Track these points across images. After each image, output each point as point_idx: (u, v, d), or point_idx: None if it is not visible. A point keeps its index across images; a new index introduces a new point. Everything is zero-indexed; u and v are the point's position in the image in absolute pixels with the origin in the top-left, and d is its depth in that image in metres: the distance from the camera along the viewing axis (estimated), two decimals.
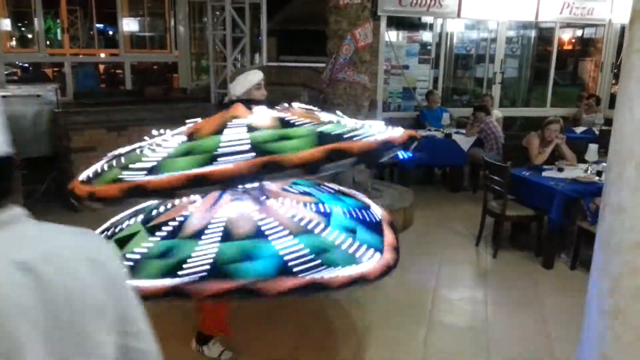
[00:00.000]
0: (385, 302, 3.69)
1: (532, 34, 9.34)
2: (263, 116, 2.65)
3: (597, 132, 7.01)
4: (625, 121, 2.14)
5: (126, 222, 2.80)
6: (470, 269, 4.61)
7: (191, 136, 2.56)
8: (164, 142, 2.61)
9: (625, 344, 2.17)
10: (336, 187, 3.42)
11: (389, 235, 2.76)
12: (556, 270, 4.45)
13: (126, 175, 2.34)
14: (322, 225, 2.60)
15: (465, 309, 3.81)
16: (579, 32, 9.74)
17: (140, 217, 2.76)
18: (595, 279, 2.34)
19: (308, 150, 2.22)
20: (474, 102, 8.13)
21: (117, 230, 2.76)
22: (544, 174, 4.73)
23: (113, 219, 2.98)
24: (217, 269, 2.21)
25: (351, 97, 5.39)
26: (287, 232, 2.44)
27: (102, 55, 12.21)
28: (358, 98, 5.43)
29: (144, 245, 2.44)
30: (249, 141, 2.33)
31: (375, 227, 2.81)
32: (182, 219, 2.57)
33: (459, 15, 7.97)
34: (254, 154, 2.23)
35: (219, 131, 2.48)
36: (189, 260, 2.26)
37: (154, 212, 2.74)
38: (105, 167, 2.60)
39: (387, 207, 3.45)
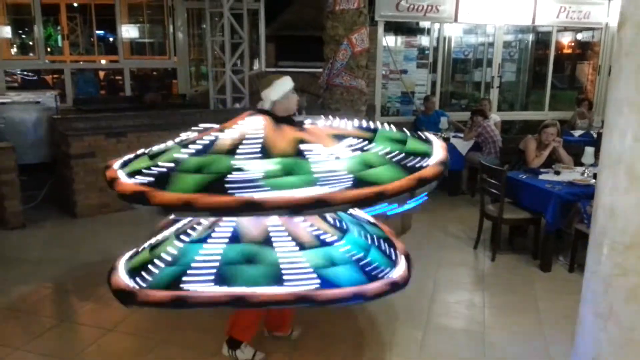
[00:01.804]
0: (383, 305, 3.70)
1: (530, 38, 9.39)
2: (324, 138, 2.65)
3: (594, 135, 7.04)
4: (616, 124, 2.17)
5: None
6: (467, 272, 4.63)
7: (265, 150, 2.51)
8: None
9: (618, 346, 2.19)
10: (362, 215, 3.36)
11: (381, 224, 2.97)
12: (554, 273, 4.47)
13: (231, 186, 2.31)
14: (344, 223, 2.74)
15: (463, 312, 3.82)
16: (576, 36, 9.78)
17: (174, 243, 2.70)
18: (589, 281, 2.36)
19: (399, 179, 2.38)
20: (472, 107, 8.16)
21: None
22: (541, 177, 4.75)
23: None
24: (320, 276, 2.36)
25: (348, 102, 5.43)
26: (295, 244, 2.50)
27: (102, 61, 12.24)
28: (355, 103, 5.47)
29: (210, 252, 2.49)
30: (346, 172, 2.39)
31: (389, 256, 2.81)
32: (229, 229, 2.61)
33: (456, 20, 8.02)
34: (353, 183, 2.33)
35: (299, 153, 2.49)
36: (285, 269, 2.38)
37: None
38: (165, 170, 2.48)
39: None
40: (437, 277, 4.31)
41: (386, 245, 2.86)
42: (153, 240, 2.80)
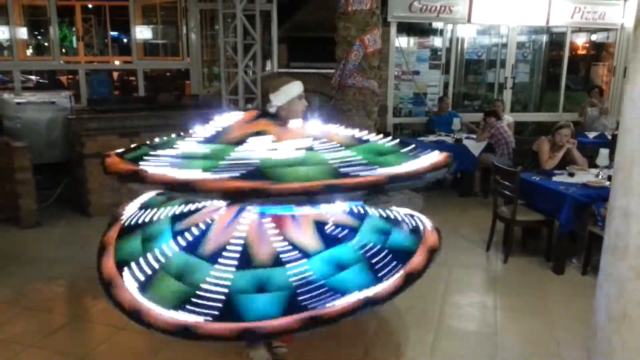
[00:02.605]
0: (394, 306, 3.69)
1: (544, 38, 9.32)
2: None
3: (609, 137, 6.95)
4: (631, 125, 2.14)
5: (155, 211, 2.79)
6: (480, 274, 4.60)
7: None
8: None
9: (632, 349, 2.16)
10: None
11: (430, 236, 2.78)
12: (567, 275, 4.42)
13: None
14: (347, 231, 2.59)
15: (475, 314, 3.79)
16: (591, 37, 9.68)
17: (169, 209, 2.75)
18: (602, 283, 2.33)
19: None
20: (485, 108, 8.11)
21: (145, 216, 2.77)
22: (555, 178, 4.71)
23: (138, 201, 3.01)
24: (229, 304, 2.19)
25: (360, 103, 5.42)
26: (302, 255, 2.40)
27: (116, 62, 12.38)
28: (367, 103, 5.46)
29: (164, 251, 2.45)
30: (363, 160, 2.40)
31: (415, 230, 2.79)
32: (204, 227, 2.54)
33: (469, 21, 7.98)
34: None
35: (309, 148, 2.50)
36: (203, 287, 2.25)
37: (184, 209, 2.73)
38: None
39: None
40: (449, 279, 4.29)
41: (412, 219, 2.83)
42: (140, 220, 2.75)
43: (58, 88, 8.80)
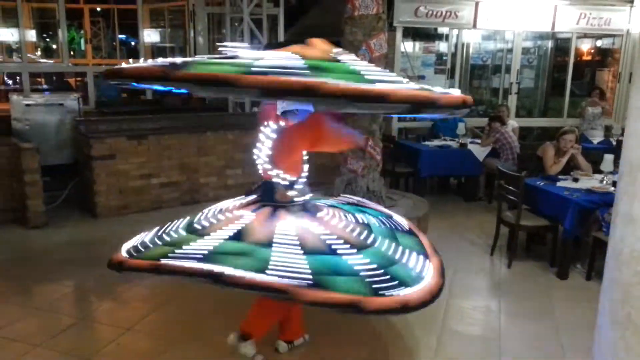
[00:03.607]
0: None
1: (549, 44, 9.33)
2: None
3: (613, 143, 6.96)
4: (636, 131, 2.16)
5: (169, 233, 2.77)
6: (484, 278, 4.60)
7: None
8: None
9: (637, 354, 2.17)
10: (354, 198, 3.44)
11: (422, 236, 2.91)
12: (571, 280, 4.43)
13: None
14: (372, 236, 2.65)
15: (479, 318, 3.80)
16: (596, 43, 9.68)
17: (183, 231, 2.73)
18: (607, 289, 2.34)
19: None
20: (490, 113, 8.12)
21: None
22: (559, 184, 4.72)
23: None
24: (316, 280, 2.25)
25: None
26: (349, 246, 2.49)
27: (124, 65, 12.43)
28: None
29: (207, 243, 2.49)
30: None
31: (408, 232, 2.88)
32: (238, 227, 2.59)
33: (474, 26, 8.00)
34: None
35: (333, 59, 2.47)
36: (273, 264, 2.31)
37: (198, 226, 2.73)
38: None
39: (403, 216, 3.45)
40: (453, 283, 4.30)
41: (419, 259, 2.66)
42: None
43: (66, 90, 8.86)
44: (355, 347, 3.28)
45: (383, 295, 2.26)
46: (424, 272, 2.55)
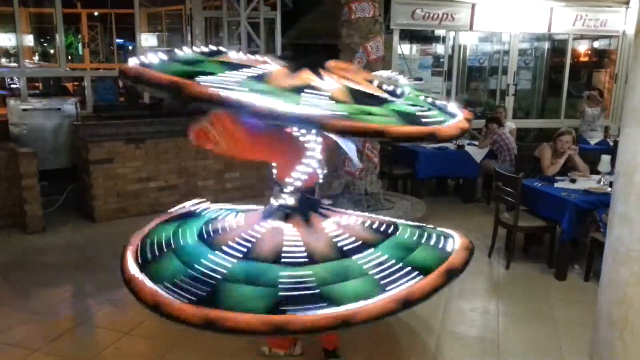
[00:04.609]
0: None
1: (546, 45, 9.36)
2: (334, 85, 2.56)
3: (611, 143, 6.98)
4: (632, 132, 2.17)
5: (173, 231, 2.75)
6: (482, 279, 4.61)
7: (263, 79, 2.43)
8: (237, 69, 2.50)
9: (634, 354, 2.18)
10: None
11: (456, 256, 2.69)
12: (569, 281, 4.43)
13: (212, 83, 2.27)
14: (365, 246, 2.56)
15: (477, 320, 3.81)
16: (593, 44, 9.71)
17: (194, 232, 2.70)
18: (604, 289, 2.35)
19: (407, 126, 2.29)
20: (487, 114, 8.14)
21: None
22: (557, 185, 4.73)
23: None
24: (319, 295, 2.21)
25: None
26: (305, 257, 2.42)
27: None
28: None
29: (217, 264, 2.41)
30: (344, 112, 2.28)
31: (442, 249, 2.71)
32: (248, 238, 2.55)
33: (471, 28, 8.02)
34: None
35: (297, 89, 2.35)
36: (281, 285, 2.25)
37: (211, 229, 2.71)
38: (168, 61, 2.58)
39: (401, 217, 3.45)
40: (451, 284, 4.29)
41: (442, 239, 2.72)
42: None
43: (64, 95, 8.86)
44: (353, 348, 3.28)
45: (282, 312, 2.16)
46: (448, 247, 2.60)
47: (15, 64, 9.29)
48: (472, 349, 3.40)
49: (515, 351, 3.36)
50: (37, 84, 9.81)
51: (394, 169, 6.83)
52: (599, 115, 7.58)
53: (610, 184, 4.45)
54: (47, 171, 5.82)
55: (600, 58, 9.43)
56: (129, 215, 5.75)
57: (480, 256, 4.97)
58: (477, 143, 6.99)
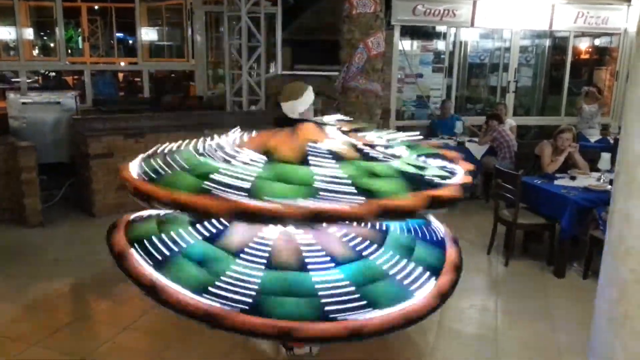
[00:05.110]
0: None
1: (547, 43, 9.31)
2: (338, 141, 2.59)
3: (611, 141, 6.96)
4: (632, 129, 2.16)
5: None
6: (481, 277, 4.61)
7: (268, 155, 2.45)
8: (235, 154, 2.51)
9: (633, 353, 2.17)
10: None
11: (451, 251, 2.67)
12: (568, 279, 4.43)
13: (212, 187, 2.21)
14: (374, 246, 2.51)
15: (475, 317, 3.81)
16: (594, 41, 9.68)
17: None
18: (603, 287, 2.34)
19: (409, 197, 2.22)
20: (487, 111, 8.12)
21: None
22: (557, 182, 4.72)
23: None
24: (259, 301, 2.14)
25: (363, 105, 5.45)
26: (330, 261, 2.35)
27: (122, 63, 12.43)
28: (370, 106, 5.49)
29: (183, 236, 2.40)
30: (347, 179, 2.26)
31: (437, 242, 2.71)
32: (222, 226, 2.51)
33: (472, 25, 7.98)
34: (358, 194, 2.19)
35: (302, 158, 2.40)
36: (224, 277, 2.20)
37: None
38: (164, 167, 2.49)
39: None
40: None
41: (431, 231, 2.70)
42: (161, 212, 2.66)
43: (64, 88, 8.84)
44: (351, 347, 3.28)
45: (333, 319, 2.09)
46: (417, 290, 2.33)
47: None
48: (470, 346, 3.41)
49: (513, 349, 3.36)
50: (37, 78, 9.80)
51: None
52: (597, 113, 7.53)
53: (610, 182, 4.44)
54: (46, 165, 5.82)
55: (602, 55, 9.39)
56: (128, 210, 5.71)
57: (479, 253, 4.96)
58: (477, 140, 6.98)
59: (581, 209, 4.29)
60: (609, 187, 4.37)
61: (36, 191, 5.37)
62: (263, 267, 2.31)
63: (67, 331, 3.43)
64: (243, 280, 2.21)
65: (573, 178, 4.77)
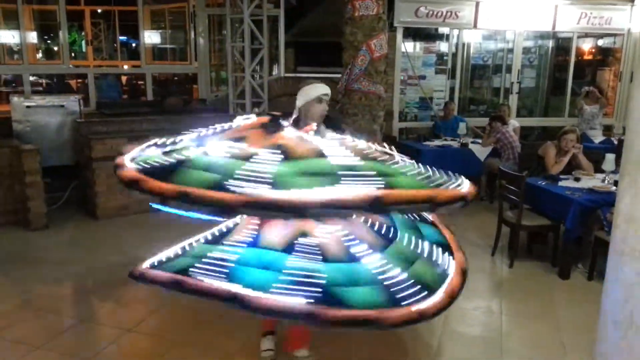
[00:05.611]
0: None
1: (550, 44, 9.30)
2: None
3: (615, 142, 6.94)
4: (637, 130, 2.15)
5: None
6: (485, 278, 4.59)
7: (287, 156, 2.39)
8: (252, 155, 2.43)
9: (638, 354, 2.16)
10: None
11: (445, 230, 2.81)
12: (573, 280, 4.41)
13: (235, 185, 2.18)
14: (392, 229, 2.55)
15: (480, 319, 3.79)
16: (597, 42, 9.65)
17: (201, 242, 2.63)
18: (609, 289, 2.33)
19: (419, 189, 2.29)
20: (491, 112, 8.11)
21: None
22: (561, 183, 4.71)
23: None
24: (329, 293, 2.15)
25: (366, 107, 5.45)
26: (368, 247, 2.38)
27: (125, 66, 12.47)
28: (373, 108, 5.48)
29: (228, 251, 2.40)
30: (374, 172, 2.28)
31: (430, 223, 2.78)
32: (253, 234, 2.50)
33: (475, 26, 7.99)
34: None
35: (319, 154, 2.40)
36: (286, 273, 2.22)
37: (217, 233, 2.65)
38: (173, 163, 2.52)
39: None
40: None
41: (441, 254, 2.59)
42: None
43: (67, 92, 8.87)
44: (356, 347, 3.27)
45: (403, 305, 2.16)
46: (448, 268, 2.49)
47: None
48: (474, 347, 3.39)
49: (518, 350, 3.35)
50: (40, 81, 9.84)
51: None
52: (598, 113, 7.48)
53: (615, 183, 4.43)
54: (50, 168, 5.83)
55: (605, 56, 9.37)
56: (131, 213, 5.75)
57: (483, 255, 4.95)
58: (480, 141, 6.97)
59: (585, 210, 4.27)
60: (614, 188, 4.36)
61: (40, 194, 5.38)
62: (320, 259, 2.31)
63: (71, 334, 3.44)
64: (306, 276, 2.21)
65: (577, 179, 4.75)
